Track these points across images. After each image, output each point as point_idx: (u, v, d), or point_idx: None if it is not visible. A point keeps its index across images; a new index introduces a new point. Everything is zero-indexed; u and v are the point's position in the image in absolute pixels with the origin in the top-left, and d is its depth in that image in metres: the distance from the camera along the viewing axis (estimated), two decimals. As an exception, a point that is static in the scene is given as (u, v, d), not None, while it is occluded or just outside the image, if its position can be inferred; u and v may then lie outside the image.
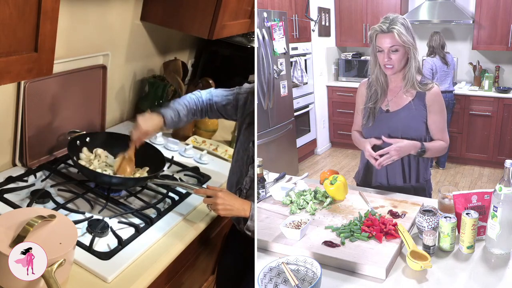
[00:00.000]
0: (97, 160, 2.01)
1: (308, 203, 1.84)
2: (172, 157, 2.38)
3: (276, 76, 4.12)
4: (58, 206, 1.75)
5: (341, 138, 5.88)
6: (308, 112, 5.34)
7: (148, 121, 1.88)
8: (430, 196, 2.08)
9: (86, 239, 1.61)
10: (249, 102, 1.91)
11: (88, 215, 1.76)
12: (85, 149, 2.04)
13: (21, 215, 1.42)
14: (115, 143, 2.11)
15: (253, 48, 3.06)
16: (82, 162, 1.97)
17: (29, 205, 1.73)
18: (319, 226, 1.66)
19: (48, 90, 2.01)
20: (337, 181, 1.87)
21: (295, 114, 4.75)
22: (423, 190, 2.06)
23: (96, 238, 1.63)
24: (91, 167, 1.95)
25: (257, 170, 1.87)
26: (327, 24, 5.74)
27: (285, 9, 4.60)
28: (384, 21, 1.87)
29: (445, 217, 1.55)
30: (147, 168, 2.07)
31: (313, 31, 5.41)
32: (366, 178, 2.11)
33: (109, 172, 1.97)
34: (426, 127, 1.97)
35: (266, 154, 3.91)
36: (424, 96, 1.94)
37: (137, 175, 2.02)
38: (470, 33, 5.46)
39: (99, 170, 1.94)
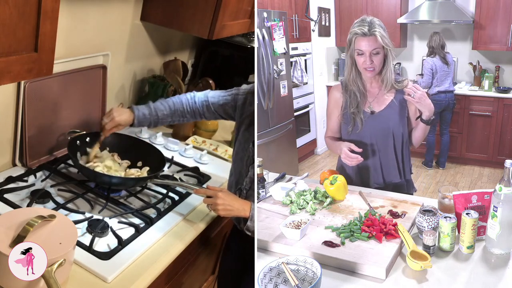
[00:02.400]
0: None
1: (308, 203, 1.84)
2: (172, 157, 2.38)
3: (276, 76, 4.12)
4: (58, 206, 1.75)
5: (341, 138, 5.87)
6: (308, 112, 5.34)
7: (121, 113, 1.96)
8: (414, 190, 2.17)
9: (86, 239, 1.61)
10: (248, 102, 1.91)
11: (88, 215, 1.76)
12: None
13: (21, 215, 1.42)
14: (115, 143, 2.11)
15: (253, 48, 3.06)
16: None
17: (29, 205, 1.73)
18: (319, 226, 1.66)
19: (48, 90, 2.01)
20: (337, 181, 1.87)
21: (295, 114, 4.75)
22: (411, 183, 2.13)
23: (96, 238, 1.63)
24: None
25: (257, 170, 1.87)
26: (327, 24, 5.74)
27: (285, 9, 4.60)
28: (362, 23, 1.87)
29: (445, 217, 1.55)
30: (147, 168, 2.07)
31: (313, 31, 5.41)
32: (361, 181, 2.10)
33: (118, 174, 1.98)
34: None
35: (266, 154, 3.91)
36: (402, 91, 1.98)
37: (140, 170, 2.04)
38: (470, 33, 5.46)
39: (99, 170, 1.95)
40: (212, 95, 2.03)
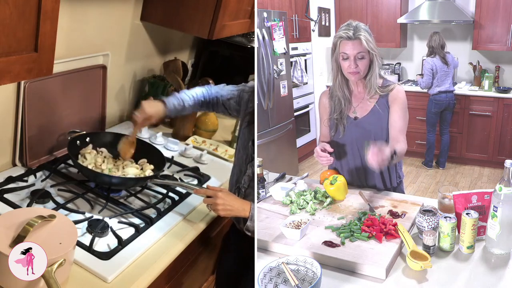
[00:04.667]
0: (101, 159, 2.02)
1: (308, 203, 1.84)
2: (172, 157, 2.38)
3: (276, 76, 4.11)
4: (58, 206, 1.75)
5: (341, 138, 5.87)
6: (308, 112, 5.33)
7: (152, 105, 1.95)
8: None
9: (86, 239, 1.61)
10: (251, 100, 1.93)
11: (88, 215, 1.76)
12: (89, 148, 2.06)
13: (21, 215, 1.42)
14: (115, 143, 2.11)
15: (253, 48, 3.06)
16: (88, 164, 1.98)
17: (29, 205, 1.73)
18: (319, 226, 1.66)
19: (48, 90, 2.01)
20: (337, 181, 1.87)
21: (295, 114, 4.75)
22: (400, 191, 2.10)
23: (96, 238, 1.63)
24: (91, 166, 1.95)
25: (257, 170, 1.87)
26: (327, 24, 5.74)
27: (285, 9, 4.59)
28: (348, 28, 1.86)
29: (445, 217, 1.55)
30: (151, 166, 2.07)
31: (313, 31, 5.41)
32: (359, 181, 2.09)
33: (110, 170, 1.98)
34: None
35: (266, 154, 3.91)
36: (387, 96, 1.95)
37: (140, 170, 2.05)
38: (470, 33, 5.45)
39: (105, 170, 1.96)
40: (223, 89, 2.06)
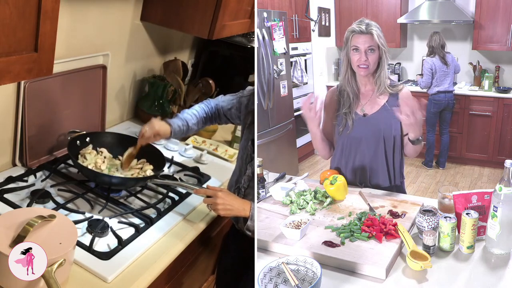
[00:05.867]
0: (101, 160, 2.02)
1: (308, 203, 1.84)
2: (172, 157, 2.38)
3: (276, 76, 4.11)
4: (58, 206, 1.75)
5: (341, 138, 5.86)
6: (308, 112, 5.33)
7: (161, 124, 1.94)
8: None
9: (86, 239, 1.62)
10: (250, 102, 1.94)
11: (88, 215, 1.76)
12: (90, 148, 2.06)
13: (21, 215, 1.42)
14: (115, 143, 2.11)
15: (253, 48, 3.06)
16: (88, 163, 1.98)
17: (29, 205, 1.73)
18: (319, 226, 1.66)
19: (48, 90, 2.01)
20: (337, 181, 1.87)
21: (295, 114, 4.74)
22: (402, 190, 2.10)
23: (96, 238, 1.63)
24: (91, 166, 1.95)
25: (257, 170, 1.87)
26: (327, 24, 5.74)
27: (285, 9, 4.60)
28: (360, 23, 1.91)
29: (445, 217, 1.55)
30: (151, 166, 2.07)
31: (313, 31, 5.41)
32: (362, 179, 2.09)
33: (113, 172, 1.98)
34: None
35: (266, 154, 3.91)
36: (397, 96, 1.97)
37: (140, 170, 2.05)
38: (470, 33, 5.46)
39: (105, 170, 1.95)
40: (223, 100, 2.07)
